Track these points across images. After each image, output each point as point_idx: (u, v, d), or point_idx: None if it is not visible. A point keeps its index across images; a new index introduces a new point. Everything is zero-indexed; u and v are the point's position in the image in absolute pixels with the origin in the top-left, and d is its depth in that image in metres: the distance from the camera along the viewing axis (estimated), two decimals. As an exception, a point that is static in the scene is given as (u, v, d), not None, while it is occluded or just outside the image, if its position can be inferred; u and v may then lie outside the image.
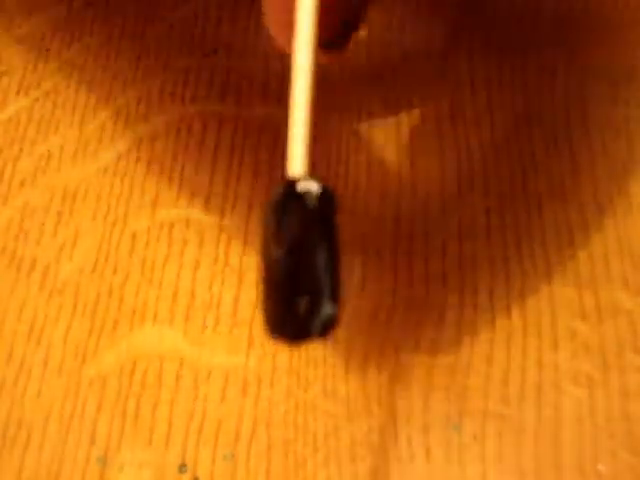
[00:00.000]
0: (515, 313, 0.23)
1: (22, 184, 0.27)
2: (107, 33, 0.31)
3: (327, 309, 0.16)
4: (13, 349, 0.24)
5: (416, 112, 0.27)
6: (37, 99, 0.29)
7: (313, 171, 0.17)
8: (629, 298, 0.23)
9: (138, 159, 0.27)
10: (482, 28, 0.28)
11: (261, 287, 0.17)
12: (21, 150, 0.28)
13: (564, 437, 0.21)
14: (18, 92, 0.30)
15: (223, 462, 0.22)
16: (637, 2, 0.29)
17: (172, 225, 0.26)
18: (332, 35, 0.19)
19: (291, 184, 0.16)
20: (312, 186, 0.16)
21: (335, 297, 0.16)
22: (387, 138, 0.27)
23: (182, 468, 0.22)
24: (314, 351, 0.23)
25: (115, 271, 0.25)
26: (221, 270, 0.25)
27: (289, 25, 0.18)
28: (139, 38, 0.30)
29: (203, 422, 0.22)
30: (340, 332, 0.23)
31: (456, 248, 0.24)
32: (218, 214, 0.26)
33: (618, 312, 0.23)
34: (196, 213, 0.26)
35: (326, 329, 0.16)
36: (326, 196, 0.16)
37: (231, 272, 0.25)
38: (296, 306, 0.16)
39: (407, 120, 0.27)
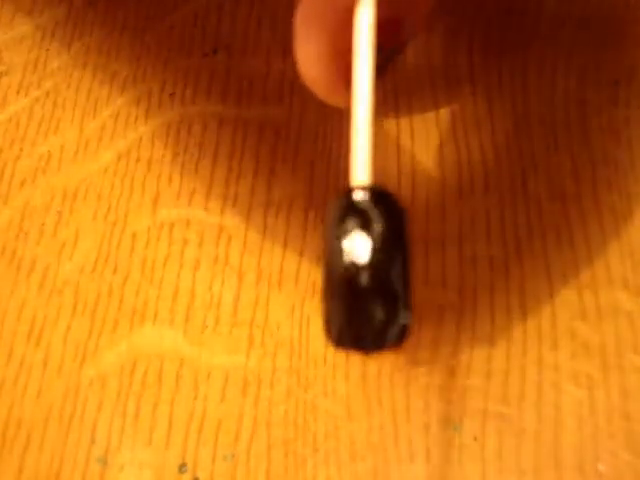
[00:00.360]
0: (515, 313, 0.23)
1: (22, 184, 0.27)
2: (107, 33, 0.31)
3: (403, 318, 0.16)
4: (13, 349, 0.24)
5: (416, 112, 0.27)
6: (37, 99, 0.29)
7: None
8: (629, 298, 0.23)
9: (138, 159, 0.27)
10: (482, 28, 0.28)
11: (329, 301, 0.16)
12: (21, 150, 0.28)
13: (564, 437, 0.21)
14: (18, 92, 0.30)
15: (223, 462, 0.22)
16: (637, 1, 0.29)
17: (172, 225, 0.26)
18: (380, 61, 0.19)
19: (358, 192, 0.16)
20: (389, 196, 0.16)
21: (409, 305, 0.16)
22: (387, 138, 0.27)
23: (182, 468, 0.22)
24: (314, 351, 0.23)
25: (115, 271, 0.25)
26: (221, 270, 0.25)
27: (323, 58, 0.18)
28: (139, 38, 0.30)
29: (203, 422, 0.22)
30: (340, 332, 0.23)
31: (456, 248, 0.24)
32: (218, 214, 0.26)
33: (618, 312, 0.23)
34: (196, 213, 0.26)
35: (402, 337, 0.16)
36: (399, 207, 0.16)
37: (231, 272, 0.25)
38: (373, 316, 0.16)
39: (407, 120, 0.27)
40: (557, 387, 0.22)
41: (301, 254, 0.25)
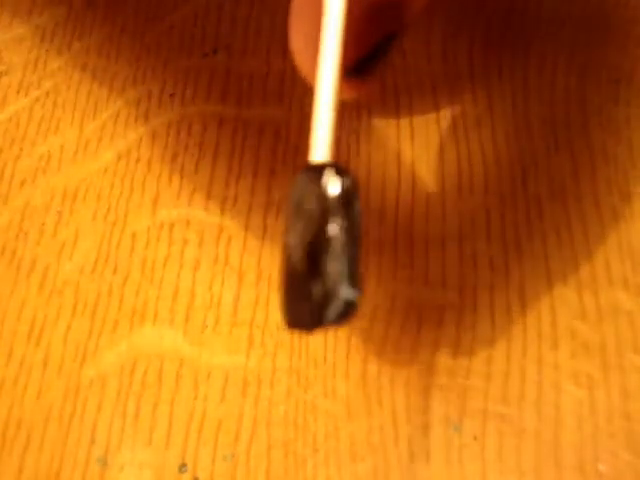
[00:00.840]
0: (515, 313, 0.23)
1: (22, 184, 0.27)
2: (107, 33, 0.31)
3: (346, 294, 0.15)
4: (13, 349, 0.24)
5: (416, 112, 0.27)
6: (37, 99, 0.29)
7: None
8: (629, 298, 0.23)
9: (138, 159, 0.27)
10: (482, 28, 0.28)
11: (280, 277, 0.16)
12: (21, 150, 0.28)
13: (564, 437, 0.21)
14: (18, 92, 0.30)
15: (223, 462, 0.22)
16: (637, 1, 0.29)
17: (172, 225, 0.26)
18: (361, 55, 0.19)
19: (315, 168, 0.16)
20: (335, 171, 0.16)
21: (354, 282, 0.15)
22: (387, 138, 0.27)
23: (182, 468, 0.22)
24: (314, 351, 0.23)
25: (115, 271, 0.25)
26: (221, 270, 0.25)
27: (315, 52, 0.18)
28: (139, 38, 0.30)
29: (203, 422, 0.22)
30: (340, 332, 0.23)
31: (456, 248, 0.24)
32: (218, 214, 0.26)
33: (618, 312, 0.23)
34: (196, 213, 0.26)
35: (346, 314, 0.15)
36: (345, 179, 0.16)
37: (231, 272, 0.25)
38: (310, 294, 0.15)
39: (407, 120, 0.27)
40: (557, 387, 0.22)
41: (301, 254, 0.25)
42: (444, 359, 0.22)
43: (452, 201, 0.25)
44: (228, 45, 0.29)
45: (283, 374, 0.23)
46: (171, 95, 0.29)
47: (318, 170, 0.16)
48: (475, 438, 0.21)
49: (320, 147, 0.16)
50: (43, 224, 0.26)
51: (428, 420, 0.22)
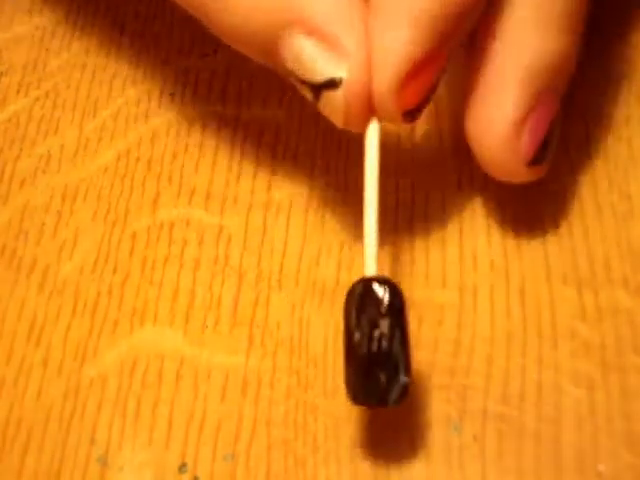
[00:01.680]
0: (515, 313, 0.23)
1: (22, 184, 0.27)
2: (107, 33, 0.31)
3: (403, 380, 0.20)
4: (13, 349, 0.24)
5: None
6: (37, 99, 0.29)
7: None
8: (629, 298, 0.23)
9: (138, 159, 0.27)
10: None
11: (346, 365, 0.20)
12: (21, 150, 0.28)
13: (564, 437, 0.21)
14: (18, 92, 0.30)
15: (223, 462, 0.22)
16: (637, 1, 0.29)
17: (172, 225, 0.26)
18: (536, 151, 0.22)
19: (368, 282, 0.21)
20: (386, 285, 0.20)
21: (408, 370, 0.20)
22: (387, 138, 0.27)
23: (182, 468, 0.22)
24: (314, 351, 0.23)
25: (115, 271, 0.25)
26: (221, 270, 0.25)
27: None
28: (139, 38, 0.30)
29: (203, 422, 0.22)
30: (340, 332, 0.23)
31: (456, 248, 0.24)
32: (218, 214, 0.26)
33: (618, 312, 0.23)
34: (196, 213, 0.26)
35: (403, 395, 0.20)
36: (396, 292, 0.20)
37: (231, 272, 0.25)
38: (378, 378, 0.20)
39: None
40: (557, 387, 0.22)
41: (301, 254, 0.25)
42: (444, 359, 0.22)
43: (452, 201, 0.25)
44: (228, 45, 0.29)
45: (283, 374, 0.23)
46: (171, 95, 0.29)
47: (373, 284, 0.20)
48: (475, 438, 0.21)
49: (370, 264, 0.21)
50: (43, 224, 0.26)
51: (428, 420, 0.22)
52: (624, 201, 0.25)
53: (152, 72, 0.30)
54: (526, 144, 0.22)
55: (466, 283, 0.24)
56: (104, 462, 0.22)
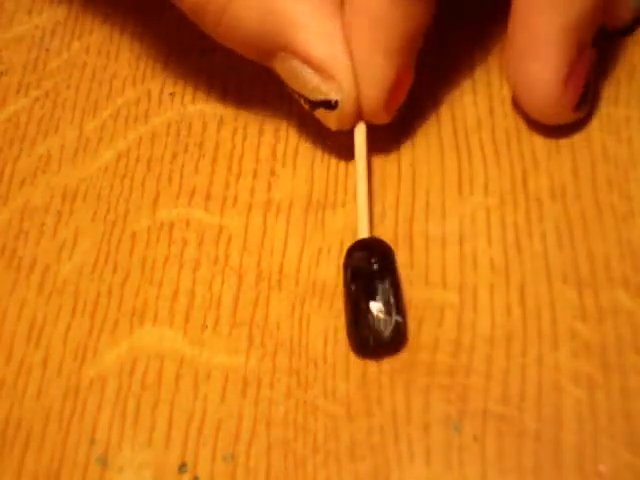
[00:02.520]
0: (515, 313, 0.23)
1: (22, 184, 0.27)
2: (107, 33, 0.31)
3: (396, 317, 0.22)
4: (13, 349, 0.24)
5: (416, 112, 0.27)
6: (37, 99, 0.29)
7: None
8: (629, 298, 0.23)
9: (138, 159, 0.27)
10: (484, 28, 0.28)
11: (346, 317, 0.23)
12: (21, 150, 0.28)
13: (564, 437, 0.21)
14: (18, 92, 0.30)
15: (223, 462, 0.22)
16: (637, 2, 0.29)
17: (172, 225, 0.26)
18: (579, 96, 0.25)
19: (361, 242, 0.24)
20: (377, 243, 0.24)
21: (400, 311, 0.23)
22: (387, 138, 0.27)
23: (182, 468, 0.22)
24: (314, 351, 0.23)
25: (115, 271, 0.25)
26: (221, 270, 0.25)
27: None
28: (139, 38, 0.30)
29: (203, 422, 0.22)
30: (340, 332, 0.23)
31: (456, 248, 0.24)
32: (218, 214, 0.26)
33: (618, 312, 0.23)
34: (196, 213, 0.26)
35: (396, 334, 0.22)
36: (386, 248, 0.24)
37: (231, 272, 0.25)
38: (373, 322, 0.22)
39: (407, 120, 0.27)
40: (557, 387, 0.22)
41: (301, 254, 0.25)
42: (444, 359, 0.22)
43: (452, 201, 0.25)
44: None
45: (283, 374, 0.23)
46: (171, 95, 0.29)
47: (367, 244, 0.24)
48: (475, 438, 0.21)
49: (362, 227, 0.24)
50: (43, 224, 0.26)
51: (428, 420, 0.22)
52: (624, 201, 0.25)
53: (152, 72, 0.30)
54: (571, 93, 0.25)
55: (466, 283, 0.24)
56: (104, 462, 0.22)
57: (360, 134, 0.25)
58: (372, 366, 0.23)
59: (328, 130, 0.26)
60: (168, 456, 0.22)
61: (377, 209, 0.25)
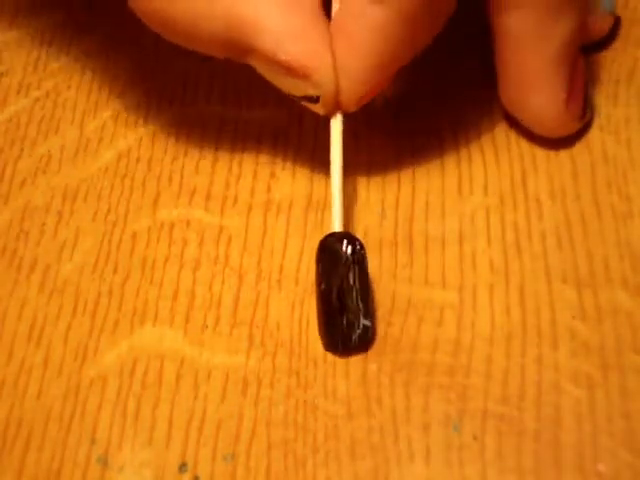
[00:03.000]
0: (515, 313, 0.23)
1: (22, 184, 0.27)
2: (107, 33, 0.31)
3: (364, 322, 0.22)
4: (13, 349, 0.24)
5: (416, 112, 0.27)
6: (37, 99, 0.29)
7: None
8: (629, 298, 0.23)
9: (138, 159, 0.27)
10: (482, 27, 0.28)
11: (318, 313, 0.23)
12: (21, 150, 0.28)
13: (564, 437, 0.21)
14: (18, 92, 0.30)
15: (223, 462, 0.22)
16: (636, 1, 0.29)
17: (172, 225, 0.26)
18: (582, 107, 0.26)
19: (332, 237, 0.23)
20: (348, 239, 0.23)
21: (368, 315, 0.23)
22: (387, 138, 0.27)
23: (182, 468, 0.22)
24: (314, 351, 0.23)
25: (115, 271, 0.25)
26: (221, 270, 0.25)
27: None
28: (139, 39, 0.30)
29: (203, 422, 0.22)
30: (340, 332, 0.23)
31: (456, 248, 0.24)
32: (218, 214, 0.26)
33: (617, 312, 0.23)
34: (196, 213, 0.26)
35: (363, 338, 0.23)
36: (356, 245, 0.23)
37: (231, 272, 0.25)
38: (341, 323, 0.22)
39: (407, 120, 0.27)
40: (557, 387, 0.22)
41: (301, 254, 0.25)
42: (444, 359, 0.22)
43: (452, 201, 0.25)
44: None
45: (283, 374, 0.23)
46: (171, 95, 0.29)
47: (338, 238, 0.23)
48: (475, 438, 0.21)
49: (337, 222, 0.23)
50: (43, 224, 0.26)
51: (428, 420, 0.22)
52: (624, 202, 0.25)
53: (152, 73, 0.30)
54: (574, 108, 0.25)
55: (466, 283, 0.24)
56: (104, 462, 0.22)
57: (336, 124, 0.24)
58: (372, 366, 0.23)
59: (327, 130, 0.26)
60: (168, 456, 0.22)
61: (377, 209, 0.25)
